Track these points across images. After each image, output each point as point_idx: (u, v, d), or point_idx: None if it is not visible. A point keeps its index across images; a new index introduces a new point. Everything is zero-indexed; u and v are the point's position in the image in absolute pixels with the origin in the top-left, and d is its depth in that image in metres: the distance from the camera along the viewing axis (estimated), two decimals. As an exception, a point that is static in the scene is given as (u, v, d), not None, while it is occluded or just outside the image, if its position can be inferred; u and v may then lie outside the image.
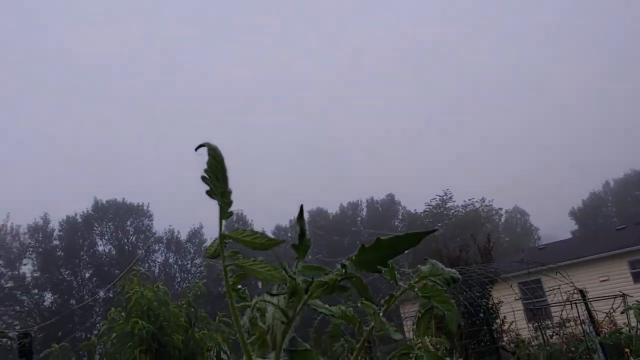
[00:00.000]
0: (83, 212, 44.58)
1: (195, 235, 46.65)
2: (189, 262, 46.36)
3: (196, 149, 0.70)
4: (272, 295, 0.65)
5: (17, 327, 39.08)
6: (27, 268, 43.83)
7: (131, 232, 45.50)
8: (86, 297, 42.63)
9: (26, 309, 40.52)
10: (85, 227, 44.35)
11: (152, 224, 46.27)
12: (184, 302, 9.24)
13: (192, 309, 8.52)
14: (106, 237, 45.08)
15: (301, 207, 0.63)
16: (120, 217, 44.85)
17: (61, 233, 43.93)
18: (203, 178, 0.64)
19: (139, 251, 44.13)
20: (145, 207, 45.91)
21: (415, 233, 0.60)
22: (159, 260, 45.48)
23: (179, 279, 43.76)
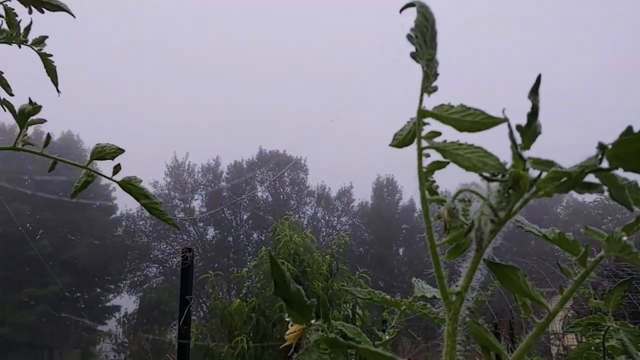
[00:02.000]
0: (249, 158, 48.26)
1: (345, 194, 47.97)
2: (336, 218, 47.96)
3: (401, 10, 0.56)
4: (488, 180, 0.49)
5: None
6: (196, 203, 49.18)
7: (287, 183, 48.26)
8: (242, 236, 46.65)
9: (192, 238, 45.59)
10: (249, 173, 48.03)
11: (306, 177, 48.53)
12: (327, 254, 9.51)
13: (335, 261, 8.75)
14: (265, 185, 48.45)
15: (538, 78, 0.45)
16: (279, 168, 47.73)
17: (228, 176, 48.22)
18: (409, 37, 0.50)
19: (292, 202, 46.72)
20: (302, 161, 48.18)
21: None
22: (308, 212, 47.73)
23: (324, 234, 45.53)
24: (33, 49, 1.08)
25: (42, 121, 0.97)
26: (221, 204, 46.78)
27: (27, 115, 0.85)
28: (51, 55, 1.11)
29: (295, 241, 8.38)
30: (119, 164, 1.00)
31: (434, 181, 0.55)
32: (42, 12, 1.06)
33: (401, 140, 0.55)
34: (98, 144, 1.00)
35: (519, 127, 0.46)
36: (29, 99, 0.89)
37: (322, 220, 47.87)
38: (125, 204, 44.71)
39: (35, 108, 0.84)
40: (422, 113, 0.52)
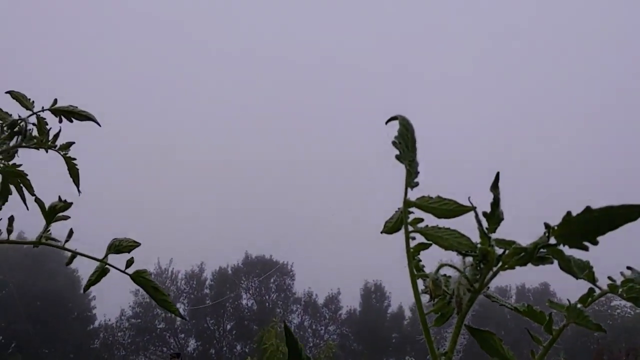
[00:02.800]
0: (234, 264, 47.58)
1: (332, 300, 46.90)
2: (323, 327, 46.44)
3: (387, 122, 0.70)
4: (463, 255, 0.59)
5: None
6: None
7: (273, 290, 47.24)
8: (224, 348, 44.65)
9: (172, 351, 43.50)
10: (234, 280, 47.11)
11: (293, 283, 47.66)
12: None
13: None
14: (250, 292, 47.34)
15: (497, 175, 0.58)
16: (265, 274, 46.98)
17: (212, 283, 47.18)
18: (393, 143, 0.63)
19: (278, 310, 45.42)
20: (289, 266, 47.61)
21: (635, 204, 0.51)
22: (295, 321, 46.26)
23: (312, 344, 43.86)
24: (59, 153, 1.21)
25: (67, 217, 1.08)
26: (203, 313, 45.31)
27: (57, 211, 0.95)
28: (75, 159, 1.24)
29: (282, 351, 8.14)
30: (132, 257, 1.09)
31: (420, 260, 0.65)
32: (71, 121, 1.21)
33: (391, 227, 0.66)
34: (115, 238, 1.10)
35: (485, 214, 0.58)
36: (59, 197, 1.00)
37: (309, 330, 46.28)
38: (105, 313, 43.12)
39: (65, 205, 0.95)
40: (408, 204, 0.63)
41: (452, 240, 0.60)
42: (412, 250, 0.63)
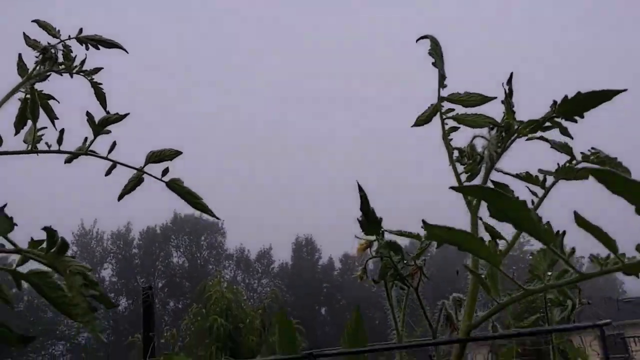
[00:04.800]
0: (163, 224, 46.77)
1: (264, 255, 47.59)
2: (256, 281, 47.21)
3: (417, 40, 0.88)
4: (494, 126, 0.80)
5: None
6: (106, 272, 46.45)
7: (204, 247, 47.15)
8: (157, 305, 44.36)
9: (102, 311, 42.67)
10: (163, 239, 46.41)
11: (224, 241, 47.72)
12: (259, 308, 9.49)
13: (267, 315, 8.74)
14: (181, 250, 46.93)
15: (511, 74, 0.78)
16: (195, 232, 46.62)
17: (140, 242, 46.25)
18: (430, 53, 0.82)
19: (210, 266, 45.45)
20: (219, 225, 47.47)
21: (608, 90, 0.73)
22: (227, 276, 46.59)
23: (245, 297, 44.54)
24: (86, 78, 1.30)
25: (109, 132, 1.19)
26: (133, 272, 44.56)
27: (110, 122, 1.05)
28: (101, 84, 1.33)
29: (227, 297, 8.33)
30: (167, 167, 1.22)
31: (452, 139, 0.85)
32: (98, 48, 1.29)
33: (423, 119, 0.85)
34: (152, 150, 1.22)
35: (503, 100, 0.78)
36: (108, 112, 1.10)
37: (242, 284, 46.79)
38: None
39: (119, 116, 1.05)
40: (441, 99, 0.83)
41: (480, 121, 0.80)
42: (446, 131, 0.83)
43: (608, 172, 0.50)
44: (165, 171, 1.24)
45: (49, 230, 0.62)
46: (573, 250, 0.63)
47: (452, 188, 0.69)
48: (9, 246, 0.69)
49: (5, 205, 0.69)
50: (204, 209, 1.27)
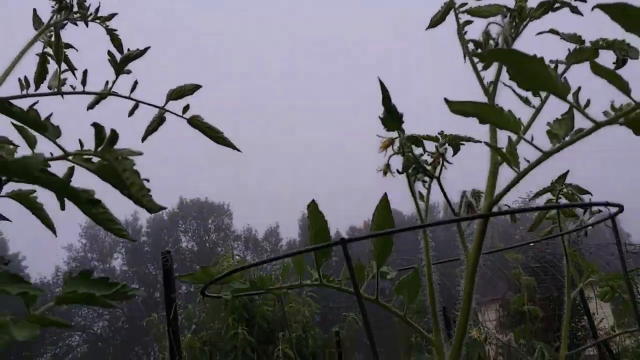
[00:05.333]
0: (169, 210, 47.01)
1: (272, 234, 47.91)
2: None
3: None
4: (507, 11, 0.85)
5: (107, 317, 42.06)
6: (117, 262, 46.98)
7: (212, 230, 47.47)
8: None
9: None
10: (171, 225, 46.74)
11: (231, 222, 48.03)
12: (273, 280, 9.58)
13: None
14: (189, 234, 47.29)
15: None
16: (202, 216, 46.90)
17: (148, 230, 46.61)
18: None
19: (219, 248, 45.81)
20: (225, 206, 47.73)
21: None
22: (237, 257, 46.92)
23: (254, 277, 44.89)
24: (102, 25, 1.34)
25: (130, 71, 1.24)
26: (144, 259, 44.99)
27: (132, 59, 1.10)
28: (116, 30, 1.37)
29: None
30: (188, 104, 1.27)
31: (466, 32, 0.90)
32: (110, -6, 1.33)
33: (437, 19, 0.90)
34: (171, 89, 1.27)
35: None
36: (128, 49, 1.15)
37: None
38: (39, 272, 41.74)
39: (140, 52, 1.09)
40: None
41: (493, 10, 0.85)
42: (461, 25, 0.88)
43: (622, 5, 0.52)
44: (186, 108, 1.29)
45: (97, 126, 0.68)
46: (588, 101, 0.67)
47: (475, 55, 0.74)
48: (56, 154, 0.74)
49: (51, 115, 0.74)
50: (225, 142, 1.32)
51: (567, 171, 1.46)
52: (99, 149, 0.68)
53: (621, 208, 1.01)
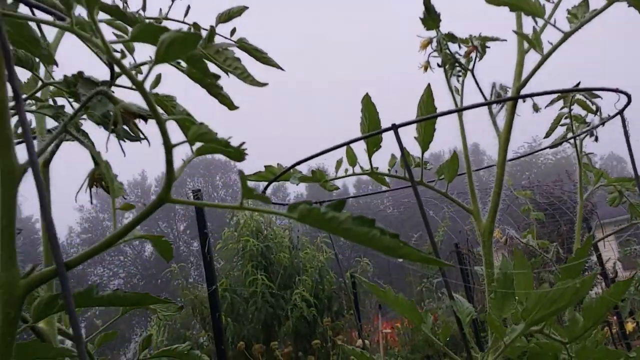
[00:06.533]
0: (176, 169, 47.29)
1: (279, 189, 48.30)
2: (273, 215, 48.17)
3: None
4: None
5: (122, 275, 43.18)
6: (128, 222, 47.62)
7: (220, 187, 47.94)
8: (182, 247, 45.82)
9: (129, 258, 44.23)
10: (179, 183, 47.07)
11: (238, 178, 48.36)
12: (286, 228, 9.84)
13: (296, 233, 9.12)
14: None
15: None
16: (209, 173, 47.25)
17: (157, 189, 47.04)
18: None
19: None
20: (232, 163, 47.89)
21: None
22: (247, 213, 47.54)
23: (265, 233, 45.67)
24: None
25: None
26: (154, 218, 45.68)
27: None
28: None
29: (255, 218, 8.66)
30: (235, 27, 1.36)
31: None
32: None
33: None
34: (219, 12, 1.36)
35: None
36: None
37: (261, 218, 47.86)
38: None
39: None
40: None
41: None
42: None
43: None
44: (233, 31, 1.38)
45: (194, 25, 0.78)
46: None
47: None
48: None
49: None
50: (268, 62, 1.42)
51: (579, 82, 1.56)
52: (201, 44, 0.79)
53: (630, 98, 1.11)
